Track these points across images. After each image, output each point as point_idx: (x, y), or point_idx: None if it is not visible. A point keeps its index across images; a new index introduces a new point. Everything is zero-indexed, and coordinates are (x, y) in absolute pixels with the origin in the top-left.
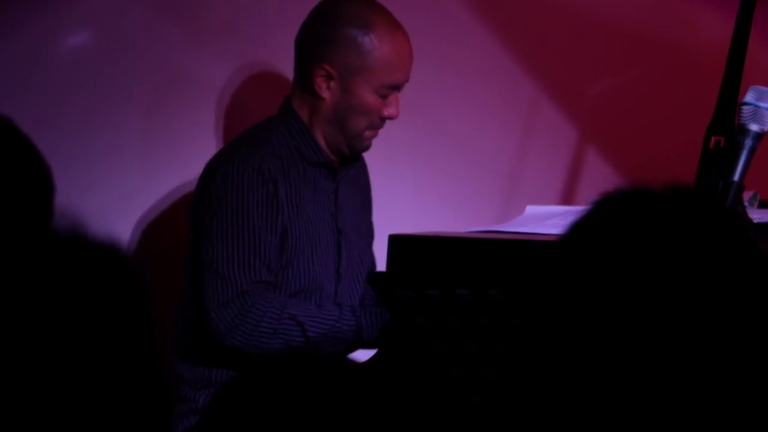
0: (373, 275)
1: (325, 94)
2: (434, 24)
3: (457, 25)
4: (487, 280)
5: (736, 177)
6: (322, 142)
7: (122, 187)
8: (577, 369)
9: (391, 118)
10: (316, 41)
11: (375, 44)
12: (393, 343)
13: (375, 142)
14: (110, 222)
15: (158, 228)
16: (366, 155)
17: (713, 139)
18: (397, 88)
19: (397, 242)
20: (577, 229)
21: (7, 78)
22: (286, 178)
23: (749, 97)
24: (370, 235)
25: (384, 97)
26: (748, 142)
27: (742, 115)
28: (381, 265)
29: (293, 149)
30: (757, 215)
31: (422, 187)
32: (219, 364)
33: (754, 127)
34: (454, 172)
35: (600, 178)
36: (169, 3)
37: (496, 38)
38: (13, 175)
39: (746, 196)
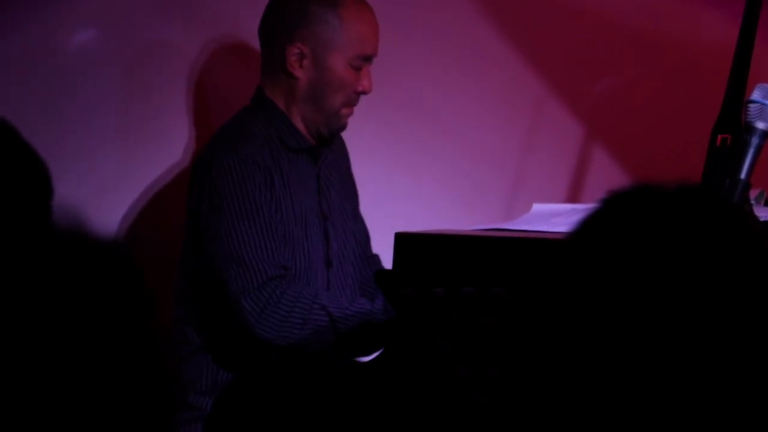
0: (379, 273)
1: (299, 73)
2: (440, 23)
3: (463, 24)
4: (492, 278)
5: (743, 175)
6: (301, 126)
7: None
8: (585, 368)
9: (365, 92)
10: (285, 23)
11: (344, 17)
12: (398, 341)
13: (381, 139)
14: (106, 217)
15: (156, 223)
16: (372, 153)
17: (720, 137)
18: (368, 59)
19: (403, 240)
20: (585, 227)
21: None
22: (277, 167)
23: (756, 95)
24: (356, 210)
25: (357, 69)
26: (754, 140)
27: (748, 113)
28: (386, 262)
29: (275, 139)
30: (763, 213)
31: (428, 185)
32: (223, 367)
33: (760, 125)
34: (460, 169)
35: (606, 176)
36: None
37: (501, 37)
38: (12, 177)
39: (753, 194)
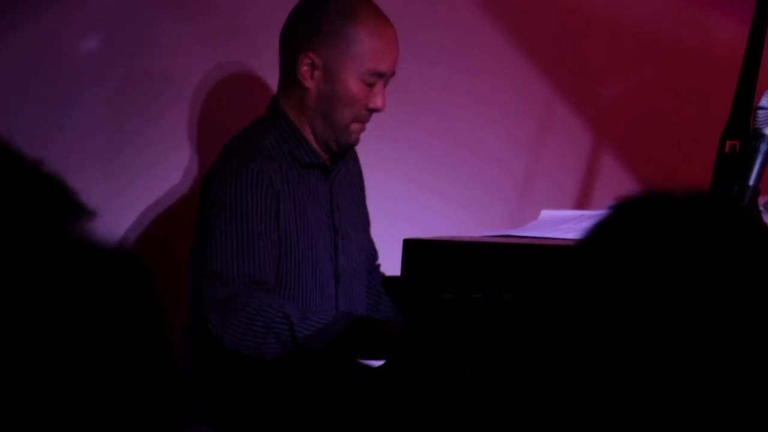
0: (387, 279)
1: (310, 84)
2: (447, 25)
3: (471, 27)
4: (501, 285)
5: (752, 181)
6: (312, 141)
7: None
8: (595, 374)
9: (377, 110)
10: (301, 31)
11: (360, 31)
12: (407, 346)
13: (389, 144)
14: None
15: (162, 227)
16: (380, 158)
17: (728, 143)
18: (382, 76)
19: (411, 246)
20: (595, 233)
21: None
22: (284, 183)
23: (764, 101)
24: (366, 225)
25: (370, 86)
26: (763, 147)
27: (757, 119)
28: (394, 268)
29: (287, 153)
30: None
31: (436, 191)
32: (231, 374)
33: None
34: (468, 175)
35: (615, 181)
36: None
37: (510, 41)
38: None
39: (761, 200)
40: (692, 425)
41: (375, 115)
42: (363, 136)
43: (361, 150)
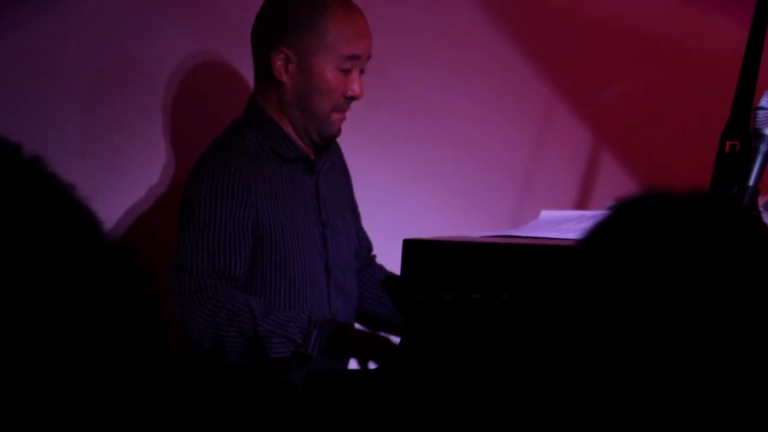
0: (387, 279)
1: (285, 78)
2: (447, 26)
3: (471, 28)
4: (501, 285)
5: (752, 181)
6: (293, 135)
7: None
8: (594, 375)
9: (354, 97)
10: (272, 27)
11: (329, 20)
12: (407, 346)
13: (389, 145)
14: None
15: (162, 226)
16: (379, 159)
17: (728, 143)
18: (357, 60)
19: (411, 246)
20: (595, 234)
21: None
22: (265, 180)
23: (764, 101)
24: (356, 217)
25: (345, 72)
26: (763, 147)
27: (757, 119)
28: (394, 268)
29: (268, 150)
30: None
31: (436, 191)
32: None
33: None
34: (468, 175)
35: (615, 182)
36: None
37: (510, 42)
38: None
39: (761, 200)
40: (692, 425)
41: (377, 116)
42: (365, 137)
43: (362, 151)
